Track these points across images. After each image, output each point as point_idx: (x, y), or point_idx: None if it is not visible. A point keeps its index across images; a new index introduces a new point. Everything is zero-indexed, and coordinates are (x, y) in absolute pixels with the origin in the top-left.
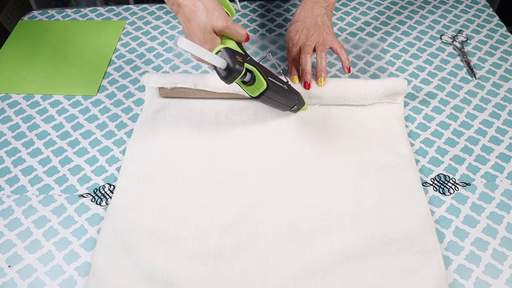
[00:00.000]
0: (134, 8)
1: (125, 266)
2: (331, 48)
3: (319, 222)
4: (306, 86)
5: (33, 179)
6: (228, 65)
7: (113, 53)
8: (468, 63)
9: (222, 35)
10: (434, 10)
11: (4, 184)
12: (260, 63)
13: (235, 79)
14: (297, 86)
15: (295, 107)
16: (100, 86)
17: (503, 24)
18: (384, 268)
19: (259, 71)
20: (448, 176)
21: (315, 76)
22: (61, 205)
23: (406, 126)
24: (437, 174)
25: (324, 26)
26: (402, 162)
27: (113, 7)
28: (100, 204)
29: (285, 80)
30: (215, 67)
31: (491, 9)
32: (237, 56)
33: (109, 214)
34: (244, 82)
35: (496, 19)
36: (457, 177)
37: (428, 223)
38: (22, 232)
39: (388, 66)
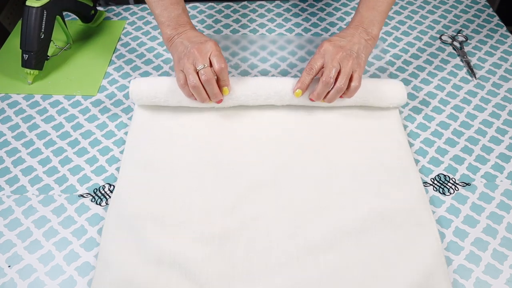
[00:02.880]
0: (134, 8)
1: (132, 249)
2: (350, 78)
3: (319, 201)
4: (311, 99)
5: (33, 179)
6: None
7: (113, 53)
8: (468, 63)
9: None
10: (434, 10)
11: (4, 184)
12: None
13: None
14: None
15: None
16: (100, 86)
17: (503, 24)
18: (383, 242)
19: None
20: (448, 176)
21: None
22: (61, 205)
23: (406, 126)
24: (437, 174)
25: (356, 55)
26: (396, 144)
27: (113, 7)
28: (100, 204)
29: None
30: None
31: (491, 9)
32: None
33: (114, 200)
34: None
35: (496, 19)
36: (457, 177)
37: (422, 198)
38: (22, 232)
39: (388, 66)
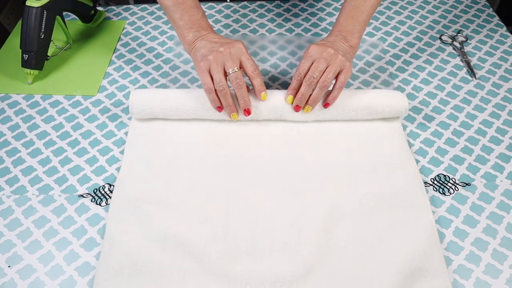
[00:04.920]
0: (134, 8)
1: (137, 230)
2: (336, 78)
3: (318, 185)
4: (296, 108)
5: (33, 179)
6: None
7: (113, 53)
8: (468, 63)
9: None
10: (434, 10)
11: (4, 184)
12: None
13: None
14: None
15: None
16: (100, 86)
17: (503, 24)
18: (379, 223)
19: None
20: (448, 176)
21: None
22: (61, 205)
23: (406, 126)
24: (437, 174)
25: (343, 54)
26: (392, 131)
27: (113, 7)
28: (100, 204)
29: None
30: None
31: (491, 9)
32: None
33: (118, 185)
34: None
35: (496, 19)
36: (457, 177)
37: (417, 181)
38: (22, 232)
39: (388, 66)
